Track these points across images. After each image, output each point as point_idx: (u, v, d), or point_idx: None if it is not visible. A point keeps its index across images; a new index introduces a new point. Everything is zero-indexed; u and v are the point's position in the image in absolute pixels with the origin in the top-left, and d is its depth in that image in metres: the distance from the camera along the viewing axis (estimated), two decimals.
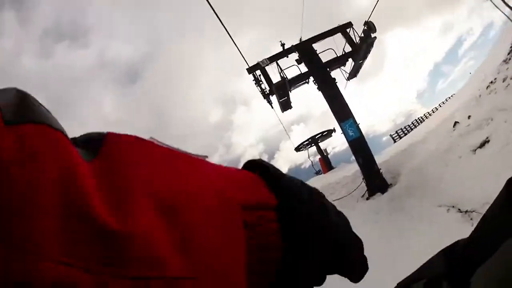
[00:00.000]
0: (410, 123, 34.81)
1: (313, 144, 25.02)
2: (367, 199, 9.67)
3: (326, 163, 23.52)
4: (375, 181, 9.67)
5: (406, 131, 32.24)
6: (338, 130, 24.50)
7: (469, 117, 8.77)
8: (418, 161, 9.03)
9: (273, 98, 12.43)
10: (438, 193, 7.07)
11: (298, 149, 25.54)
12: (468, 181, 6.64)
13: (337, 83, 10.92)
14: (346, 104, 10.72)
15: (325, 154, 24.16)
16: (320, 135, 24.53)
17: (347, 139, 10.56)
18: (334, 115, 10.76)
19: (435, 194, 7.16)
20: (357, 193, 10.46)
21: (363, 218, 8.16)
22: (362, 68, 12.18)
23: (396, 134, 31.43)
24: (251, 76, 11.38)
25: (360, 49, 10.64)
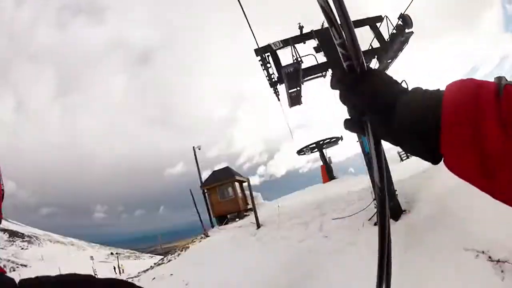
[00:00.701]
0: None
1: (316, 150, 23.76)
2: (375, 224, 8.38)
3: (328, 172, 22.24)
4: (389, 205, 8.37)
5: None
6: (346, 139, 23.60)
7: None
8: (440, 188, 7.72)
9: (282, 90, 11.05)
10: (465, 232, 5.81)
11: (300, 152, 24.27)
12: (502, 222, 5.39)
13: None
14: None
15: (328, 162, 22.89)
16: (326, 141, 23.26)
17: (363, 151, 9.17)
18: None
19: (461, 232, 5.90)
20: (364, 214, 9.18)
21: (369, 249, 6.89)
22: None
23: (403, 153, 29.95)
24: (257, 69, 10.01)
25: (391, 46, 9.28)
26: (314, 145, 23.42)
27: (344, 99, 0.67)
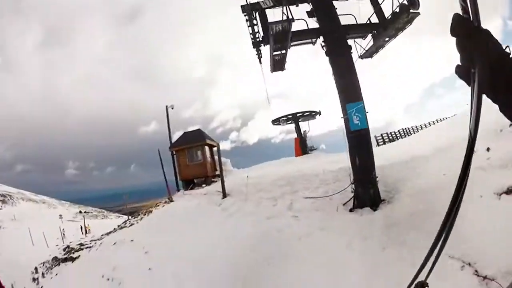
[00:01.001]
0: (397, 130, 33.51)
1: (292, 122, 23.02)
2: (351, 210, 7.84)
3: (301, 146, 21.67)
4: (369, 191, 7.79)
5: (391, 137, 31.17)
6: (324, 114, 22.99)
7: (488, 149, 6.99)
8: (427, 182, 7.20)
9: (265, 53, 10.01)
10: (452, 236, 5.29)
11: (275, 122, 23.44)
12: (491, 232, 4.94)
13: (352, 54, 8.63)
14: (358, 83, 8.29)
15: (303, 136, 22.26)
16: (302, 114, 22.50)
17: (348, 128, 8.25)
18: (339, 93, 8.38)
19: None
20: (338, 198, 8.62)
21: (344, 240, 6.33)
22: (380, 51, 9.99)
23: (380, 137, 29.98)
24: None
25: (392, 24, 8.36)
26: (290, 116, 22.62)
27: (461, 46, 0.74)
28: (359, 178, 8.04)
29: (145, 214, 16.25)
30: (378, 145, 27.74)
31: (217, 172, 20.38)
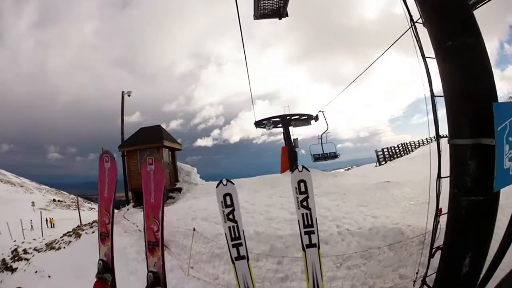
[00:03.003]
0: (395, 146, 29.25)
1: (280, 125, 18.24)
2: None
3: (291, 159, 16.86)
4: None
5: (391, 153, 26.70)
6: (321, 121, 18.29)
7: None
8: None
9: None
10: None
11: (259, 124, 18.57)
12: None
13: None
14: None
15: (293, 144, 17.43)
16: (296, 117, 17.73)
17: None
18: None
19: None
20: None
21: None
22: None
23: (382, 154, 25.42)
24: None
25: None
26: (278, 119, 17.81)
27: None
28: None
29: (76, 238, 11.38)
30: (379, 163, 23.46)
31: (178, 185, 15.59)
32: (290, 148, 17.21)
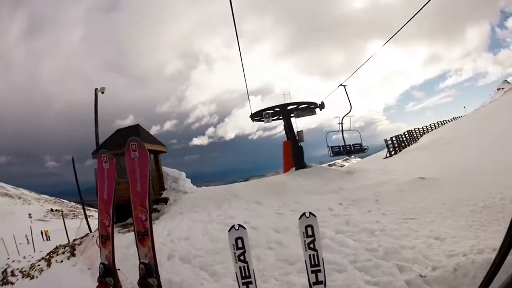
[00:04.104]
0: (402, 134, 27.11)
1: (280, 117, 15.63)
2: None
3: (295, 155, 14.26)
4: None
5: (400, 143, 24.40)
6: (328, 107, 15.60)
7: None
8: None
9: None
10: None
11: (255, 117, 15.94)
12: None
13: None
14: None
15: (297, 137, 14.80)
16: (298, 106, 15.11)
17: None
18: None
19: None
20: None
21: None
22: None
23: (391, 144, 22.93)
24: None
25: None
26: (278, 109, 15.17)
27: None
28: None
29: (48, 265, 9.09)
30: (390, 154, 21.05)
31: (165, 193, 12.95)
32: (293, 142, 14.60)
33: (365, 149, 14.14)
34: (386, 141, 22.28)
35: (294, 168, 13.87)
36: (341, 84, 13.89)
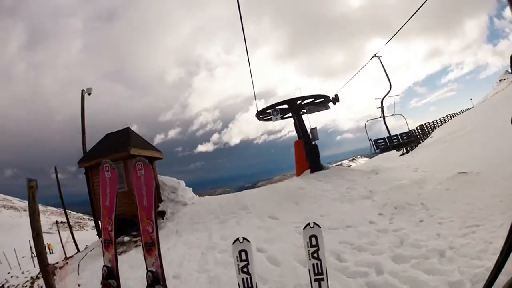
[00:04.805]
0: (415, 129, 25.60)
1: (289, 115, 13.94)
2: None
3: (309, 155, 12.52)
4: None
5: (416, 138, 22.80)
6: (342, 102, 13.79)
7: None
8: None
9: None
10: None
11: (261, 115, 14.26)
12: None
13: None
14: None
15: (313, 136, 13.09)
16: (308, 100, 13.41)
17: None
18: None
19: None
20: None
21: None
22: None
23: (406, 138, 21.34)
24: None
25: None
26: (287, 106, 13.48)
27: None
28: None
29: None
30: (407, 150, 19.20)
31: (162, 206, 11.26)
32: (307, 141, 12.87)
33: (417, 139, 11.78)
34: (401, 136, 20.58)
35: (308, 170, 12.15)
36: (374, 55, 12.07)
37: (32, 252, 24.32)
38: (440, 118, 35.43)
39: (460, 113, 40.10)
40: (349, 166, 40.27)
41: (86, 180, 11.30)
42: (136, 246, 8.55)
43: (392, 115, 11.24)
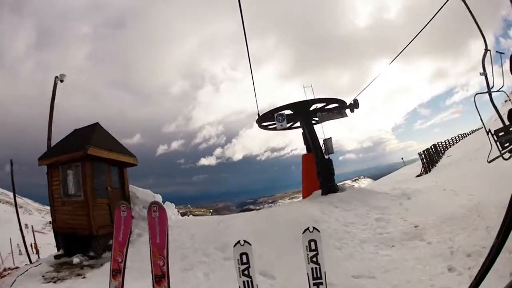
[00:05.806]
0: (430, 147, 23.55)
1: (299, 122, 11.60)
2: None
3: (323, 172, 10.06)
4: None
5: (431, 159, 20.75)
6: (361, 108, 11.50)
7: None
8: None
9: None
10: None
11: (263, 120, 11.91)
12: None
13: None
14: None
15: (326, 149, 10.67)
16: (320, 105, 11.06)
17: None
18: None
19: None
20: None
21: None
22: None
23: (424, 159, 19.36)
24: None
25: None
26: (293, 111, 11.13)
27: None
28: None
29: None
30: (425, 171, 16.88)
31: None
32: (319, 155, 10.43)
33: None
34: (420, 155, 18.50)
35: (319, 192, 9.71)
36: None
37: (19, 250, 24.52)
38: (452, 138, 35.10)
39: (471, 133, 38.90)
40: (352, 186, 38.44)
41: (47, 180, 8.94)
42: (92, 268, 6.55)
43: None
